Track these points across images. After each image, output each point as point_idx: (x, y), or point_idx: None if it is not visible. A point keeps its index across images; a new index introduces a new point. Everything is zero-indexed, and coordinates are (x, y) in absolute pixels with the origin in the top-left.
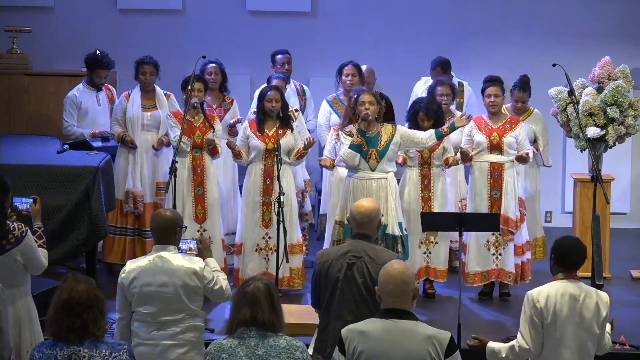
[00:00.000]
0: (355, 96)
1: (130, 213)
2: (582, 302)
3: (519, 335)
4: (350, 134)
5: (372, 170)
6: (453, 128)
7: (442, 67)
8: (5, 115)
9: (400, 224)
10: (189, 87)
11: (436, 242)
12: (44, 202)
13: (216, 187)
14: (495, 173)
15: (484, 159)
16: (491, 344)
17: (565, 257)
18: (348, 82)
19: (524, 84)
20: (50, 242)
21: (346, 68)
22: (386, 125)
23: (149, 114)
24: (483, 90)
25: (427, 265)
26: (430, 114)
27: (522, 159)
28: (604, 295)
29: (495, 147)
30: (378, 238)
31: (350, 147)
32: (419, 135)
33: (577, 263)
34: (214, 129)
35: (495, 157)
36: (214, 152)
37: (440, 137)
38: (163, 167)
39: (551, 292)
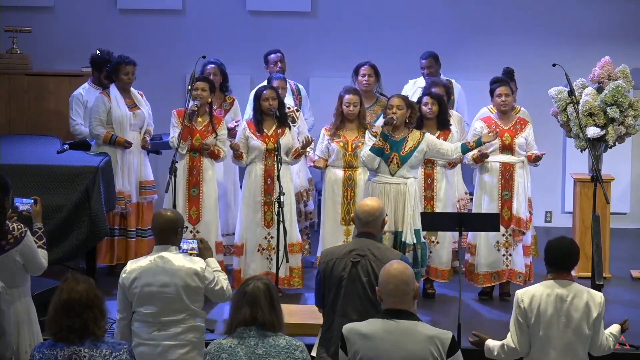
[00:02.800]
0: (345, 95)
1: (119, 213)
2: (569, 303)
3: (508, 334)
4: (376, 135)
5: (392, 175)
6: (479, 143)
7: (434, 57)
8: (5, 115)
9: (417, 232)
10: (192, 87)
11: (437, 242)
12: (44, 202)
13: (215, 191)
14: (507, 173)
15: (495, 159)
16: (488, 342)
17: (555, 258)
18: (364, 82)
19: (508, 75)
20: (50, 242)
21: (363, 68)
22: (414, 131)
23: (133, 113)
24: (492, 91)
25: (428, 265)
26: (433, 95)
27: (538, 159)
28: (596, 296)
29: (507, 148)
30: (394, 245)
31: (372, 149)
32: (445, 146)
33: (568, 265)
34: (216, 133)
35: (507, 158)
36: (213, 156)
37: (465, 151)
38: (147, 167)
39: (537, 292)
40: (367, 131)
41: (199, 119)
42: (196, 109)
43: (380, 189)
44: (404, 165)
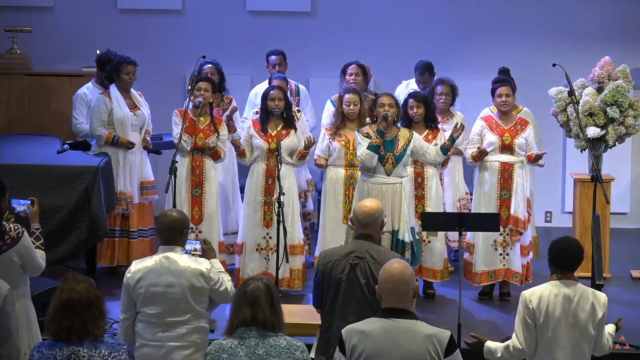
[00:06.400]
0: (345, 95)
1: (121, 214)
2: (576, 303)
3: (513, 335)
4: (367, 135)
5: (388, 175)
6: (453, 140)
7: (429, 71)
8: (5, 115)
9: (412, 229)
10: (193, 87)
11: (429, 242)
12: (44, 202)
13: (217, 191)
14: (506, 173)
15: (495, 158)
16: (489, 343)
17: (560, 258)
18: (352, 81)
19: (504, 74)
20: (50, 242)
21: (350, 68)
22: (403, 129)
23: (134, 114)
24: (493, 91)
25: (420, 265)
26: (418, 98)
27: (538, 158)
28: (601, 296)
29: (507, 148)
30: (392, 244)
31: (369, 147)
32: (430, 150)
33: (573, 265)
34: (218, 133)
35: (506, 157)
36: (215, 157)
37: (445, 152)
38: (147, 167)
39: (544, 292)
40: (357, 133)
41: (201, 119)
42: (202, 102)
43: (377, 189)
44: (398, 165)
